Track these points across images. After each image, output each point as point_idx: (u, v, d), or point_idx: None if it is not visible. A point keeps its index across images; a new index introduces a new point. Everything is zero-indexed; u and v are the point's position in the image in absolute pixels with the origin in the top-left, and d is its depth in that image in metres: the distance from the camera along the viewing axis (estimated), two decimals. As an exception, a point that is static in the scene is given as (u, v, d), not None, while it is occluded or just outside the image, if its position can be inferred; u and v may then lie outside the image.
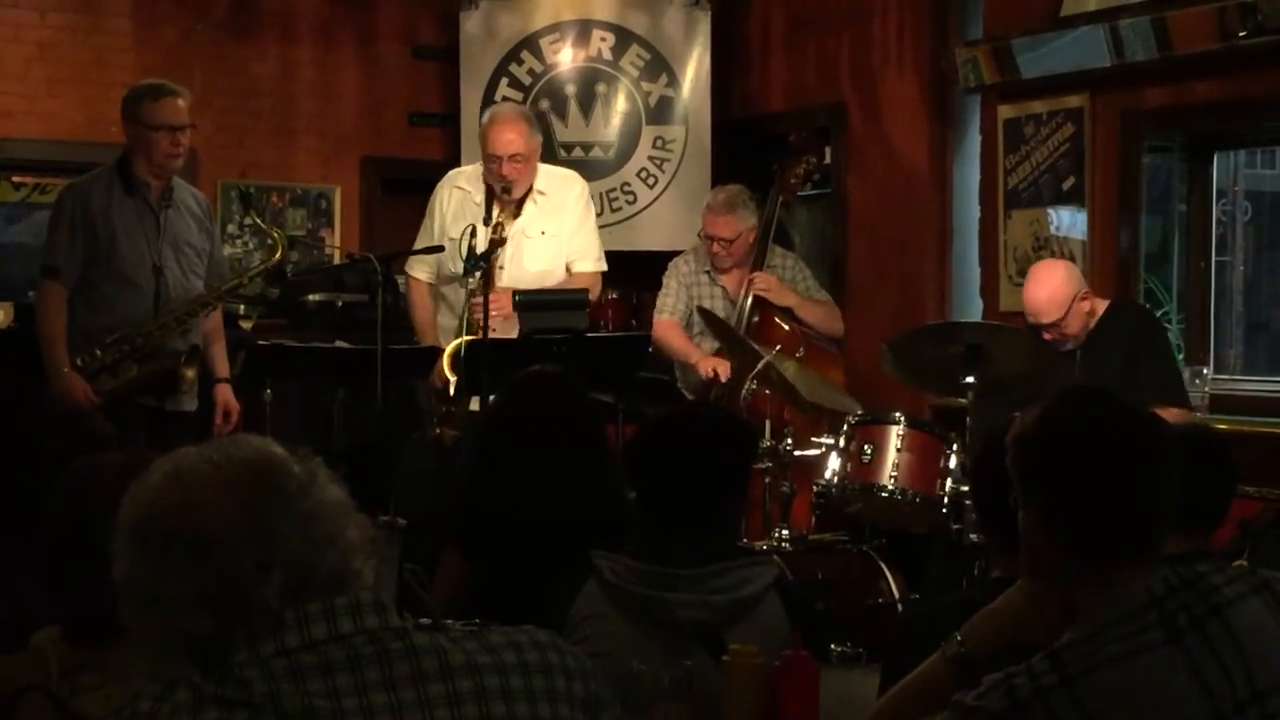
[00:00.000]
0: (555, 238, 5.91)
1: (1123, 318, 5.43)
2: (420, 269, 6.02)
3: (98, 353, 5.32)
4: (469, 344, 5.25)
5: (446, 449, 5.49)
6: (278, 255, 5.74)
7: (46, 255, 5.49)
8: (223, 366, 5.71)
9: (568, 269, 5.98)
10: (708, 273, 6.44)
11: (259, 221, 6.35)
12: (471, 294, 5.48)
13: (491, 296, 5.33)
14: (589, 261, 6.02)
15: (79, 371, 5.27)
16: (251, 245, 7.82)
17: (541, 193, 5.90)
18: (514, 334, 5.42)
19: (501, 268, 5.69)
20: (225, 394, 5.65)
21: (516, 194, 5.78)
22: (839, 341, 6.55)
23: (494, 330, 5.24)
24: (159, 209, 5.44)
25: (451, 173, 6.21)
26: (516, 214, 5.82)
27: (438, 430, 5.54)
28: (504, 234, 5.57)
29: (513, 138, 5.76)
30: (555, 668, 1.81)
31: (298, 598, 1.71)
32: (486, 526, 3.84)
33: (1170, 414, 4.27)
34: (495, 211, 5.72)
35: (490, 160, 5.79)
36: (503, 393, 4.23)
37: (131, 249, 5.38)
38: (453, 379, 5.37)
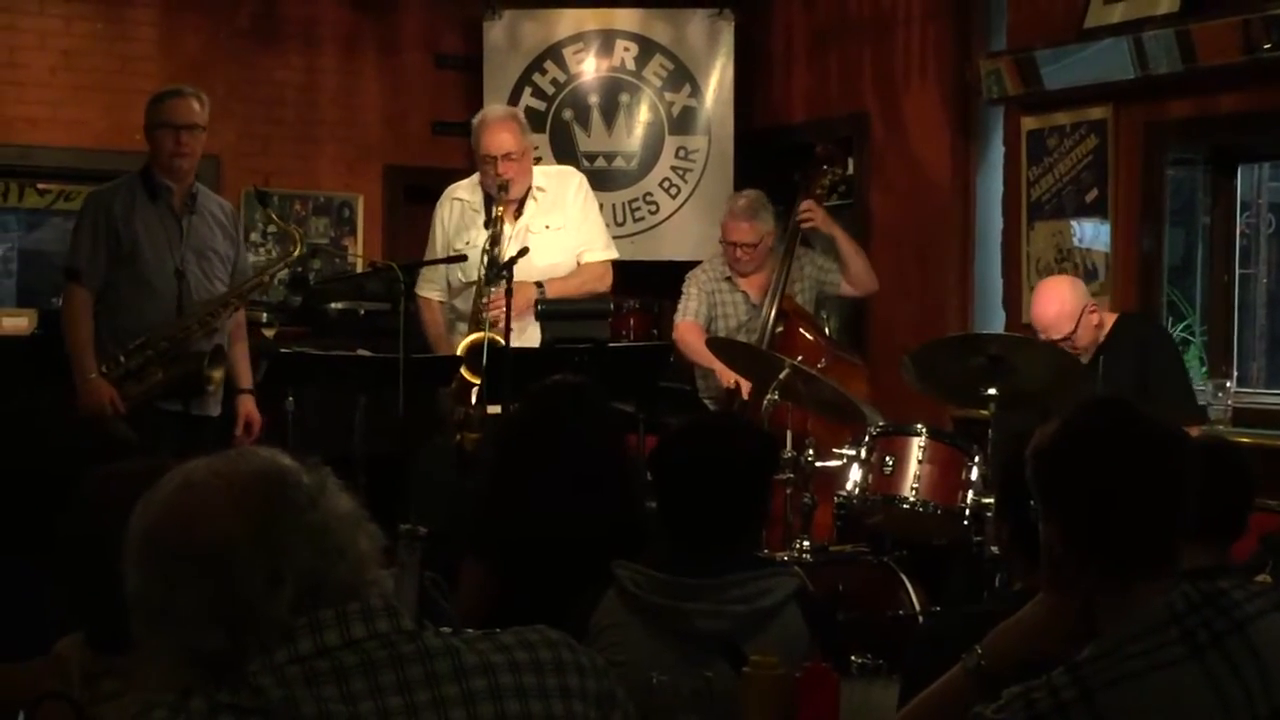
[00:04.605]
0: (559, 230, 5.93)
1: (1131, 329, 5.44)
2: (430, 288, 6.02)
3: (121, 359, 5.32)
4: (490, 350, 5.25)
5: (468, 456, 5.49)
6: (297, 252, 5.73)
7: (69, 259, 5.50)
8: (245, 376, 5.66)
9: (578, 262, 5.99)
10: (728, 280, 6.44)
11: (276, 219, 6.27)
12: (486, 291, 5.55)
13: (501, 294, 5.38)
14: (597, 250, 6.05)
15: (104, 378, 5.27)
16: (275, 253, 7.82)
17: (541, 189, 5.94)
18: (530, 332, 5.45)
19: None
20: (247, 405, 5.61)
21: (515, 193, 5.79)
22: (859, 344, 6.52)
23: (511, 328, 5.23)
24: (181, 214, 5.44)
25: (449, 187, 6.15)
26: (518, 214, 5.84)
27: (458, 437, 5.54)
28: (502, 229, 5.66)
29: (506, 137, 5.79)
30: (568, 665, 1.82)
31: (309, 608, 1.70)
32: (506, 537, 3.84)
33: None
34: (496, 211, 5.73)
35: (485, 162, 5.80)
36: (523, 402, 4.23)
37: (153, 253, 5.39)
38: (475, 381, 5.37)
